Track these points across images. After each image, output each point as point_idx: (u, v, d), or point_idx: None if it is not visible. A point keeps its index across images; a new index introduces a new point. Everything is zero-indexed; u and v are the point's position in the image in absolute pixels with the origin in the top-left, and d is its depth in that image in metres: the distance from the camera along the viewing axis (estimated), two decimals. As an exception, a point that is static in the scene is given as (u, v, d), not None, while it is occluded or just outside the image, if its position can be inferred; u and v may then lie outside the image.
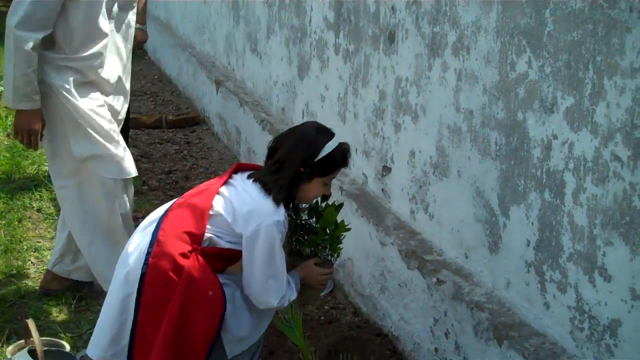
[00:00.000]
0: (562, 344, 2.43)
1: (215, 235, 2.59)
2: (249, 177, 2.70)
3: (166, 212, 2.67)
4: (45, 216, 4.74)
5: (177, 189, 5.41)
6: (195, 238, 2.56)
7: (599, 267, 2.23)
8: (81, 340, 3.38)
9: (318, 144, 2.64)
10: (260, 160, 5.35)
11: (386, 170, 3.57)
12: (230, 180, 2.72)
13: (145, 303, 2.53)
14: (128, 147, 5.65)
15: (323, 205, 2.90)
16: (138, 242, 2.63)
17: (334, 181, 3.99)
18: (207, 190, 2.69)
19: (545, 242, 2.47)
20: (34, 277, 3.96)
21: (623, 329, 2.17)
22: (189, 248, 2.54)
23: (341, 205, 2.99)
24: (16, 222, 4.55)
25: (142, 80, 8.87)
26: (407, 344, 3.29)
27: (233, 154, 6.18)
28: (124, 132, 5.47)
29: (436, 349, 3.04)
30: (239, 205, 2.59)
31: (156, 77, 9.12)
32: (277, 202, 2.58)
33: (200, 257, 2.53)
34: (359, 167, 3.90)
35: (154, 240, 2.57)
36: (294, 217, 2.86)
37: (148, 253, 2.55)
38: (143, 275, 2.53)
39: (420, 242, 3.26)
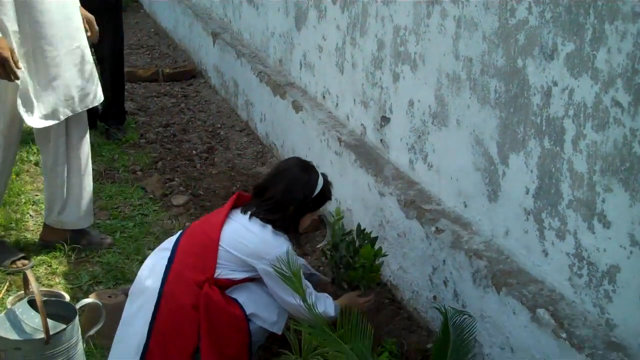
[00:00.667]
0: (560, 290, 2.44)
1: (227, 269, 2.76)
2: (243, 211, 2.85)
3: (177, 242, 2.85)
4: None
5: (175, 142, 5.39)
6: (207, 269, 2.74)
7: (598, 213, 2.23)
8: (81, 291, 3.40)
9: (311, 184, 2.87)
10: (257, 111, 5.33)
11: (385, 120, 3.55)
12: (232, 217, 2.86)
13: (157, 331, 2.69)
14: (125, 100, 5.65)
15: (359, 237, 3.05)
16: (152, 270, 2.80)
17: (332, 133, 3.99)
18: (213, 224, 2.83)
19: (545, 189, 2.46)
20: (32, 230, 3.97)
21: (622, 275, 2.17)
22: (203, 278, 2.72)
23: (376, 238, 3.06)
24: (14, 176, 4.54)
25: (138, 34, 8.77)
26: (405, 292, 3.30)
27: (231, 107, 6.14)
28: (120, 85, 5.46)
29: (435, 297, 3.06)
30: (247, 242, 2.75)
31: (152, 30, 9.01)
32: (286, 237, 2.81)
33: (213, 286, 2.72)
34: (357, 118, 3.87)
35: (168, 270, 2.75)
36: (333, 252, 3.02)
37: (163, 282, 2.73)
38: (158, 304, 2.70)
39: (419, 192, 3.26)
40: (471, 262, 2.78)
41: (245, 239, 2.76)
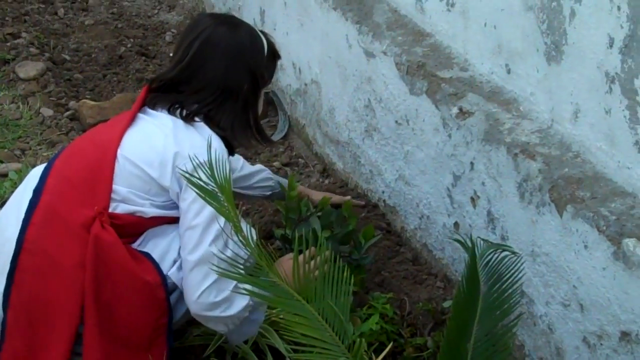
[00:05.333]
0: (663, 208, 2.45)
1: (132, 197, 2.72)
2: (170, 110, 2.81)
3: (49, 165, 2.79)
4: None
5: None
6: (99, 198, 2.68)
7: None
8: None
9: (257, 44, 2.95)
10: None
11: None
12: (143, 115, 2.84)
13: (16, 305, 2.67)
14: None
15: None
16: (9, 214, 2.77)
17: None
18: (110, 132, 2.80)
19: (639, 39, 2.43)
20: None
21: None
22: (91, 214, 2.64)
23: (351, 231, 3.14)
24: None
25: None
26: (409, 217, 3.31)
27: None
28: None
29: (456, 224, 3.06)
30: (165, 148, 2.74)
31: None
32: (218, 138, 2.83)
33: (108, 226, 2.68)
34: None
35: (32, 208, 2.68)
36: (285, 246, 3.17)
37: (23, 229, 2.67)
38: (14, 262, 2.68)
39: (432, 48, 3.24)
40: (516, 165, 2.77)
41: (165, 145, 2.73)
